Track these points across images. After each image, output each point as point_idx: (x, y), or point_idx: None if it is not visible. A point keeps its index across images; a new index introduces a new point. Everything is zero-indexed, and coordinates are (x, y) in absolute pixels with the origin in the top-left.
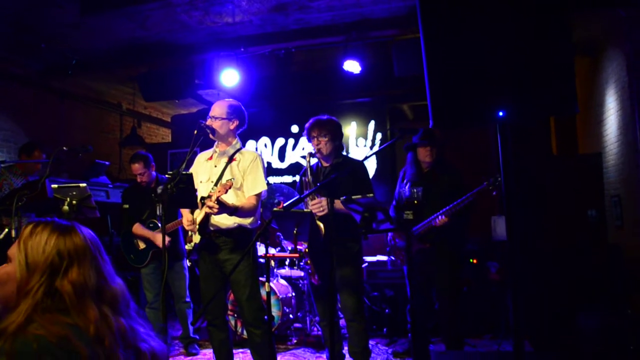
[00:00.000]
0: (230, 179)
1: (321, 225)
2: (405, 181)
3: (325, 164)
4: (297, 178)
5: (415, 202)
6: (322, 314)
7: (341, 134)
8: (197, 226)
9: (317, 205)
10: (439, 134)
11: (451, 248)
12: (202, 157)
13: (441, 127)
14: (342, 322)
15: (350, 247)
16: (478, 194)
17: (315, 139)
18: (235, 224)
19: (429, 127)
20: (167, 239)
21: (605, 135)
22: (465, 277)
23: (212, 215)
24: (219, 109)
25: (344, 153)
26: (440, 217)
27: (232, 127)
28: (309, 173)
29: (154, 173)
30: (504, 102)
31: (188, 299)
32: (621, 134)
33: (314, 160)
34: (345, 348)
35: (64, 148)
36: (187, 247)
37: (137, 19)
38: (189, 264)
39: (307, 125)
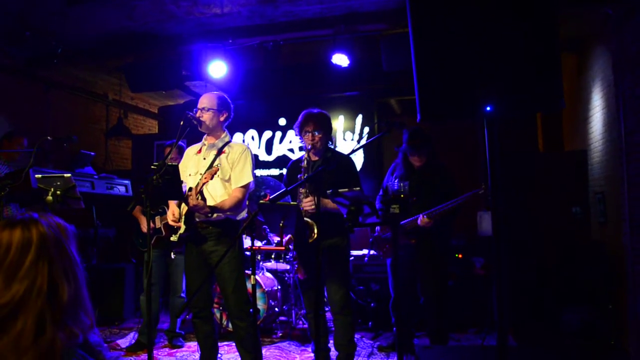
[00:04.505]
0: (216, 165)
1: (312, 222)
2: (394, 176)
3: (314, 158)
4: (284, 171)
5: (402, 195)
6: (309, 306)
7: (331, 128)
8: (184, 217)
9: (310, 203)
10: (428, 137)
11: (436, 243)
12: (190, 151)
13: (428, 120)
14: (328, 315)
15: (338, 242)
16: (469, 198)
17: (310, 134)
18: (222, 215)
19: (417, 131)
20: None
21: (591, 132)
22: (450, 272)
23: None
24: (208, 101)
25: (331, 146)
26: (422, 217)
27: (221, 119)
28: (305, 165)
29: None
30: (491, 96)
31: (183, 294)
32: (606, 132)
33: (302, 153)
34: (331, 341)
35: (49, 138)
36: (173, 238)
37: (124, 9)
38: (173, 256)
39: (300, 119)
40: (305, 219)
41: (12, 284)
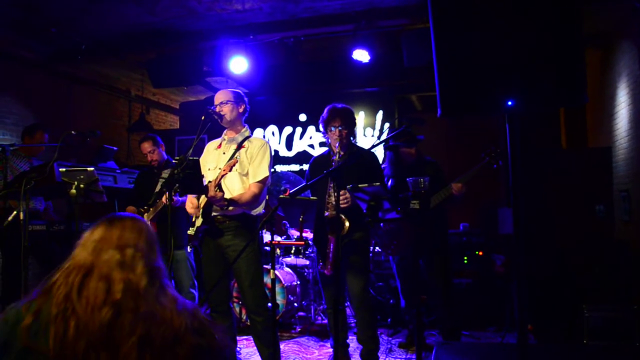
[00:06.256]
0: (235, 157)
1: (343, 218)
2: (386, 178)
3: (340, 153)
4: (305, 166)
5: (423, 191)
6: (329, 301)
7: (355, 122)
8: (201, 210)
9: (342, 199)
10: (415, 134)
11: (439, 235)
12: (210, 146)
13: (449, 115)
14: (348, 311)
15: (359, 237)
16: (482, 168)
17: (337, 129)
18: (239, 210)
19: (406, 129)
20: (154, 224)
21: (616, 129)
22: (469, 270)
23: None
24: (224, 95)
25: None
26: (455, 183)
27: (240, 110)
28: (337, 160)
29: (164, 153)
30: (513, 91)
31: (192, 290)
32: (632, 129)
33: (322, 149)
34: (350, 337)
35: (73, 132)
36: (189, 232)
37: (146, 4)
38: (189, 249)
39: (325, 114)
40: (329, 213)
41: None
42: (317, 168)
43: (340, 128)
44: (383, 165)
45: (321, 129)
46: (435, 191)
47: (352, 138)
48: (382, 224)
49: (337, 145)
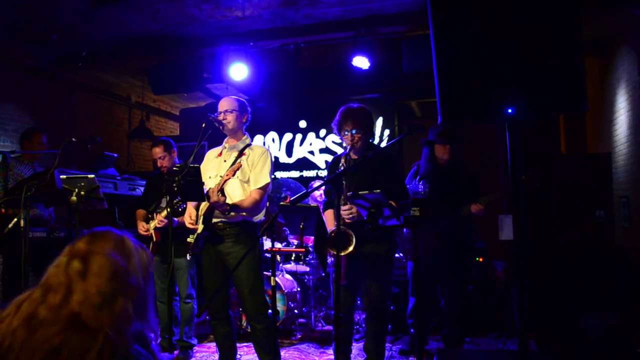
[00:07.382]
0: (238, 162)
1: (350, 232)
2: (418, 177)
3: (354, 157)
4: (305, 173)
5: (423, 198)
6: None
7: (372, 124)
8: (202, 217)
9: (347, 212)
10: (458, 133)
11: (459, 246)
12: (211, 154)
13: (449, 122)
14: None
15: (375, 248)
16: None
17: (350, 133)
18: (239, 216)
19: (448, 125)
20: (157, 233)
21: (615, 135)
22: (471, 276)
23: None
24: (228, 103)
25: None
26: (476, 206)
27: (243, 120)
28: (343, 166)
29: (176, 159)
30: (513, 98)
31: (188, 300)
32: (631, 134)
33: (322, 156)
34: (354, 345)
35: (73, 139)
36: (189, 239)
37: (147, 12)
38: (189, 257)
39: (337, 117)
40: (342, 227)
41: None
42: (332, 172)
43: (353, 132)
44: (418, 162)
45: (335, 132)
46: (467, 198)
47: (371, 139)
48: (405, 230)
49: (348, 149)
